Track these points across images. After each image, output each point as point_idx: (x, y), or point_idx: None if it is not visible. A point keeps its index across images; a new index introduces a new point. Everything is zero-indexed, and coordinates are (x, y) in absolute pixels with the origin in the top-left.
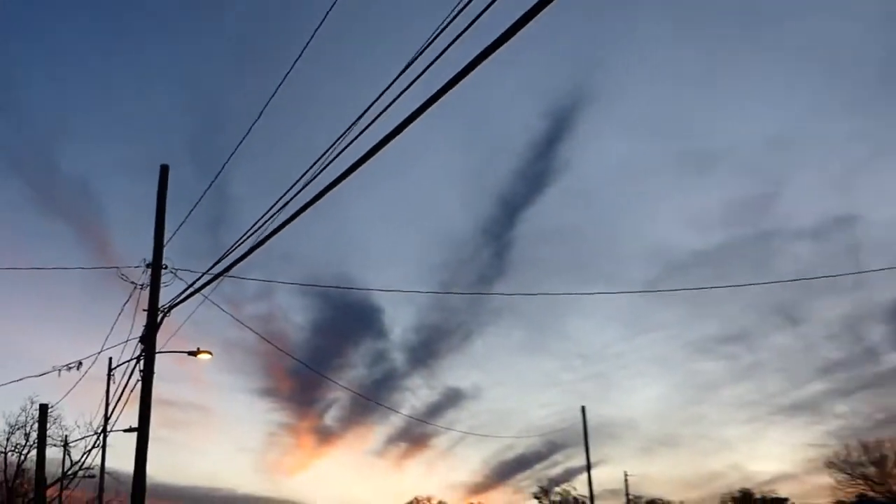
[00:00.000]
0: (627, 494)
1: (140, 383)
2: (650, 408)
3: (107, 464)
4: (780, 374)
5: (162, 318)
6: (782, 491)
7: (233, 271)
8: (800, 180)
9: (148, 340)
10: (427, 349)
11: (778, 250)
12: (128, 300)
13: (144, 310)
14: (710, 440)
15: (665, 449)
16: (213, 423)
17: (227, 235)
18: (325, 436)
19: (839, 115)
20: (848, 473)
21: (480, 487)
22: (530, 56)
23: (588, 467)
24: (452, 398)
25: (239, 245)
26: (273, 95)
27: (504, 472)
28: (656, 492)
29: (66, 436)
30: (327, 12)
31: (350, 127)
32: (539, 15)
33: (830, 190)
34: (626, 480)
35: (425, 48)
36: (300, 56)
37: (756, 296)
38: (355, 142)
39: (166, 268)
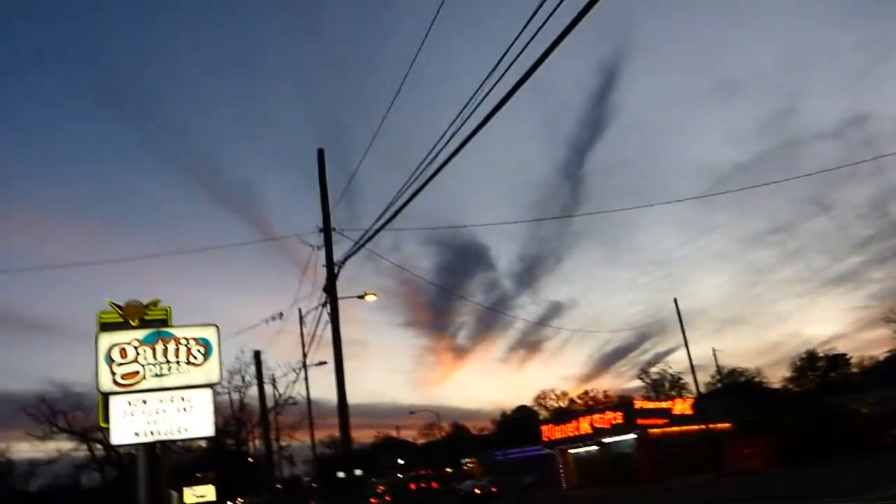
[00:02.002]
0: (718, 366)
1: (329, 324)
2: (715, 296)
3: (302, 392)
4: (821, 254)
5: (338, 271)
6: (838, 348)
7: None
8: (814, 91)
9: (330, 289)
10: (528, 274)
11: (804, 153)
12: (309, 260)
13: (323, 265)
14: (768, 315)
15: (733, 327)
16: (371, 354)
17: (360, 206)
18: (459, 352)
19: (841, 30)
20: None
21: (588, 378)
22: (579, 26)
23: (686, 344)
24: (554, 309)
25: (390, 206)
26: (394, 100)
27: (605, 363)
28: (732, 363)
29: (273, 374)
30: (427, 33)
31: (461, 112)
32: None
33: (842, 95)
34: (714, 355)
35: (508, 49)
36: (410, 69)
37: (791, 192)
38: (465, 124)
39: (335, 230)
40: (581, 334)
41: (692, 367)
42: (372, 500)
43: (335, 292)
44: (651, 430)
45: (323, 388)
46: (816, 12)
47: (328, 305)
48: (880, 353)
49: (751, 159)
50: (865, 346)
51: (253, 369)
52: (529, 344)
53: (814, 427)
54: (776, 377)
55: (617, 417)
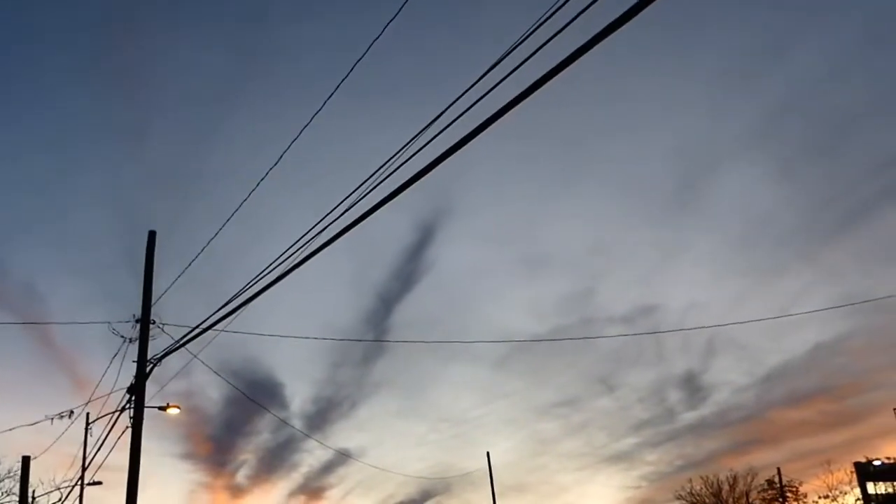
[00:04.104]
0: None
1: (129, 430)
2: (503, 460)
3: None
4: (602, 431)
5: (151, 369)
6: None
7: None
8: (612, 278)
9: (137, 389)
10: (321, 416)
11: (597, 333)
12: (116, 354)
13: (133, 361)
14: (550, 485)
15: (515, 493)
16: (142, 483)
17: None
18: (236, 491)
19: (640, 227)
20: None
21: None
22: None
23: (494, 500)
24: (343, 456)
25: (219, 309)
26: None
27: None
28: None
29: (34, 490)
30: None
31: (284, 253)
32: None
33: (636, 285)
34: None
35: (340, 203)
36: (239, 206)
37: (582, 368)
38: (286, 262)
39: (154, 323)
40: (365, 486)
41: None
42: None
43: (143, 393)
44: None
45: None
46: (622, 206)
47: (130, 410)
48: None
49: (548, 332)
50: None
51: (8, 483)
52: (312, 490)
53: None
54: None
55: None
